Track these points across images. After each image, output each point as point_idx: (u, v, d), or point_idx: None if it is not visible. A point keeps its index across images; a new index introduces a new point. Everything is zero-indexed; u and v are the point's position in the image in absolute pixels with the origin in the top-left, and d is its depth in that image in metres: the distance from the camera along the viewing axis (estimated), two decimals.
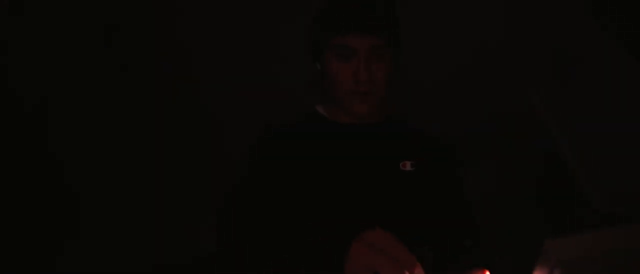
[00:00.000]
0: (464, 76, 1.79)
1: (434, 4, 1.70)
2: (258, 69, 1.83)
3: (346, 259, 0.63)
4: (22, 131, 1.79)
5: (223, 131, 1.90)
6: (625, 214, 1.31)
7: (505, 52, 1.73)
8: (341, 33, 0.98)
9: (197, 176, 1.93)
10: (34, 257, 1.85)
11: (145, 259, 1.83)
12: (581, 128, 1.54)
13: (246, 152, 1.05)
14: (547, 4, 1.61)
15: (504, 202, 1.94)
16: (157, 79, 1.86)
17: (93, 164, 1.89)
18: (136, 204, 1.94)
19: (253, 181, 1.00)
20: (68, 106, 1.83)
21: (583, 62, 1.50)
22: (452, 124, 1.80)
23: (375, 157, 1.03)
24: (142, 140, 1.91)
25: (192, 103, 1.91)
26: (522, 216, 1.85)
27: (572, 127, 1.57)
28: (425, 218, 1.00)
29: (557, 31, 1.57)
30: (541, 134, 1.69)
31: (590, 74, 1.47)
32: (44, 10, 1.65)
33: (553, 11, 1.56)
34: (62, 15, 1.68)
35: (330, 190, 0.98)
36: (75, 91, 1.82)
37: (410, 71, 1.77)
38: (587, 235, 0.40)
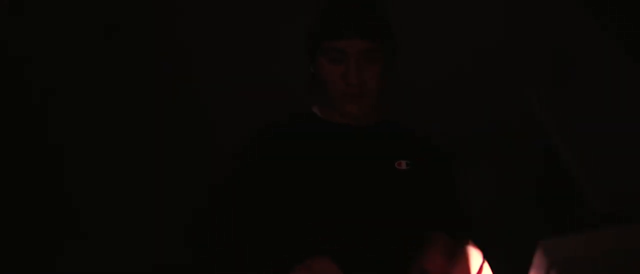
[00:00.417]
0: (463, 76, 1.79)
1: (434, 5, 1.70)
2: (259, 69, 1.83)
3: None
4: (21, 130, 1.79)
5: (224, 131, 1.90)
6: (625, 214, 1.31)
7: (504, 52, 1.73)
8: (332, 37, 0.99)
9: (197, 176, 1.93)
10: (33, 256, 1.85)
11: (145, 259, 1.83)
12: (581, 128, 1.54)
13: (239, 152, 1.06)
14: (547, 4, 1.61)
15: (504, 203, 1.93)
16: (157, 79, 1.86)
17: (93, 164, 1.89)
18: (136, 203, 1.94)
19: (246, 181, 1.01)
20: (68, 105, 1.83)
21: (583, 63, 1.50)
22: (452, 124, 1.80)
23: (370, 156, 1.04)
24: (142, 140, 1.91)
25: (192, 103, 1.91)
26: (521, 216, 1.84)
27: (571, 128, 1.57)
28: (420, 216, 1.01)
29: (556, 31, 1.57)
30: (541, 134, 1.68)
31: (590, 74, 1.47)
32: (44, 10, 1.66)
33: (552, 11, 1.56)
34: (62, 15, 1.69)
35: (326, 189, 0.99)
36: (75, 90, 1.82)
37: (411, 71, 1.76)
38: (583, 235, 0.40)
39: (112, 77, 1.81)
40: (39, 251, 1.85)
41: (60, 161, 1.86)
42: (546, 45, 1.62)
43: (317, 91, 1.08)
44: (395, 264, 0.90)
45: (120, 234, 1.92)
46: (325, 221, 0.95)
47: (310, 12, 1.06)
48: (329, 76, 1.02)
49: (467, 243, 0.79)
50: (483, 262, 0.77)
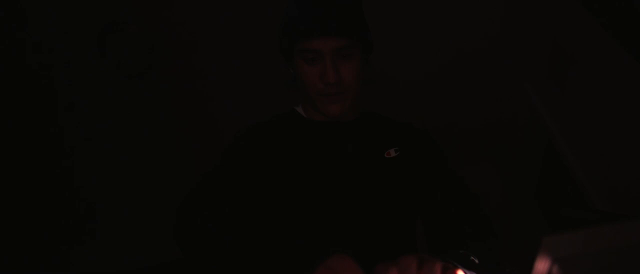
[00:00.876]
0: (463, 74, 1.79)
1: (432, 3, 1.70)
2: (262, 69, 1.83)
3: None
4: (27, 130, 1.80)
5: (226, 131, 1.90)
6: (625, 212, 1.31)
7: (503, 50, 1.73)
8: (304, 38, 0.98)
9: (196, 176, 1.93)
10: (37, 255, 1.85)
11: (148, 256, 1.84)
12: (580, 126, 1.55)
13: (223, 152, 1.06)
14: (545, 1, 1.61)
15: (504, 200, 1.94)
16: (163, 80, 1.86)
17: (97, 164, 1.90)
18: (136, 202, 1.94)
19: (226, 181, 1.00)
20: (73, 107, 1.83)
21: (582, 60, 1.50)
22: (451, 122, 1.80)
23: (358, 149, 1.04)
24: (146, 140, 1.92)
25: (196, 104, 1.92)
26: (521, 214, 1.85)
27: (571, 126, 1.57)
28: (419, 201, 1.02)
29: (555, 29, 1.57)
30: (540, 133, 1.69)
31: (589, 72, 1.48)
32: (47, 10, 1.66)
33: (551, 8, 1.57)
34: (63, 14, 1.69)
35: (318, 185, 0.99)
36: (80, 92, 1.82)
37: (410, 71, 1.77)
38: (585, 231, 0.41)
39: (116, 78, 1.82)
40: (41, 250, 1.86)
41: (63, 159, 1.87)
42: (545, 43, 1.62)
43: (299, 91, 1.08)
44: (397, 250, 0.89)
45: (122, 232, 1.92)
46: (319, 217, 0.95)
47: (281, 14, 1.05)
48: (307, 77, 1.02)
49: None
50: None
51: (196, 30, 1.80)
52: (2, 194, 1.75)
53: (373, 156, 1.04)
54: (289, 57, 1.06)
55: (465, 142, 1.74)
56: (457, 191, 1.05)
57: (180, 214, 0.97)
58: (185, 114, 1.92)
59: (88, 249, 1.90)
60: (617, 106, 1.34)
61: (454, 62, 1.77)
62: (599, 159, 1.46)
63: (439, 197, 1.03)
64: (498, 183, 1.88)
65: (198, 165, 1.97)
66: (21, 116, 1.77)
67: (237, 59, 1.86)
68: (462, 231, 0.97)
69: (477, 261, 0.79)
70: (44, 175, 1.84)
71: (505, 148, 1.87)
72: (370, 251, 0.76)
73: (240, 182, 1.00)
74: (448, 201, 1.03)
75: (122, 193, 1.91)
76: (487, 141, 1.87)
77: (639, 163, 1.25)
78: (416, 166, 1.05)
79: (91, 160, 1.88)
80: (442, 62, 1.78)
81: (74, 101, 1.81)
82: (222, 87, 1.90)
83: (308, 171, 1.00)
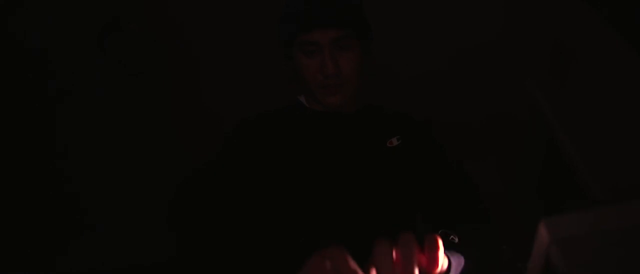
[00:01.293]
0: (464, 69, 1.78)
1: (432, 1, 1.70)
2: (264, 68, 1.83)
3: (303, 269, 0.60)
4: (22, 128, 1.79)
5: (223, 128, 1.90)
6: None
7: (504, 46, 1.72)
8: (302, 30, 0.98)
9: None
10: (34, 254, 1.85)
11: (145, 255, 1.83)
12: (582, 122, 1.54)
13: (224, 141, 1.06)
14: None
15: (505, 196, 1.93)
16: (159, 77, 1.86)
17: (93, 162, 1.89)
18: (136, 202, 1.94)
19: (226, 171, 1.00)
20: (70, 104, 1.83)
21: (583, 56, 1.49)
22: (452, 118, 1.79)
23: (360, 139, 1.04)
24: (143, 138, 1.91)
25: (195, 104, 1.91)
26: (523, 209, 1.84)
27: (572, 121, 1.56)
28: (420, 190, 1.01)
29: (557, 24, 1.56)
30: (542, 129, 1.68)
31: (591, 67, 1.47)
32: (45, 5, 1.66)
33: (552, 3, 1.56)
34: (63, 11, 1.69)
35: (318, 175, 0.98)
36: (77, 89, 1.82)
37: (412, 67, 1.76)
38: (583, 213, 0.40)
39: (113, 75, 1.81)
40: (39, 249, 1.86)
41: (60, 157, 1.87)
42: (546, 39, 1.61)
43: (300, 82, 1.08)
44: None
45: (120, 231, 1.92)
46: (320, 207, 0.95)
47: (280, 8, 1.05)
48: (307, 69, 1.02)
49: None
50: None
51: (196, 30, 1.80)
52: None
53: (375, 146, 1.04)
54: (288, 50, 1.06)
55: (467, 139, 1.73)
56: (455, 180, 1.05)
57: (175, 206, 0.97)
58: (183, 113, 1.92)
59: (83, 247, 1.90)
60: (620, 101, 1.33)
61: (455, 58, 1.77)
62: (602, 154, 1.46)
63: (438, 186, 1.03)
64: (499, 179, 1.87)
65: (197, 164, 1.97)
66: (16, 113, 1.77)
67: (237, 58, 1.85)
68: (457, 218, 0.97)
69: (456, 240, 0.79)
70: (39, 174, 1.84)
71: (507, 144, 1.86)
72: (370, 241, 0.76)
73: (239, 173, 1.00)
74: (446, 190, 1.03)
75: (119, 192, 1.91)
76: (489, 137, 1.86)
77: None
78: (417, 156, 1.05)
79: (89, 159, 1.88)
80: (443, 59, 1.77)
81: (72, 99, 1.81)
82: (221, 87, 1.89)
83: (309, 161, 1.00)
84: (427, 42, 1.74)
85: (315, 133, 1.05)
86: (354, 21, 1.01)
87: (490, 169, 1.91)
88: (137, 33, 1.77)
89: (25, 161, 1.82)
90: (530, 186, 1.85)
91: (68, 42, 1.73)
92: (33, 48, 1.70)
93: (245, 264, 0.78)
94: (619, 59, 1.30)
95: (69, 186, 1.87)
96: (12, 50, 1.68)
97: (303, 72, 1.03)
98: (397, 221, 0.98)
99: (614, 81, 1.33)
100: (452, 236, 0.81)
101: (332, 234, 0.71)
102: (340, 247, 0.61)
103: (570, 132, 1.58)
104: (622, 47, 1.27)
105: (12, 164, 1.79)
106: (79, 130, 1.85)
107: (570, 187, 1.58)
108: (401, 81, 1.64)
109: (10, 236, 1.80)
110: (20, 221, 1.83)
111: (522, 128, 1.82)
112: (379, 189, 0.98)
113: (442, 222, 0.96)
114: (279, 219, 0.84)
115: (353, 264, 0.56)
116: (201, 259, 0.86)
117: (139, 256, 1.82)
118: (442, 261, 0.60)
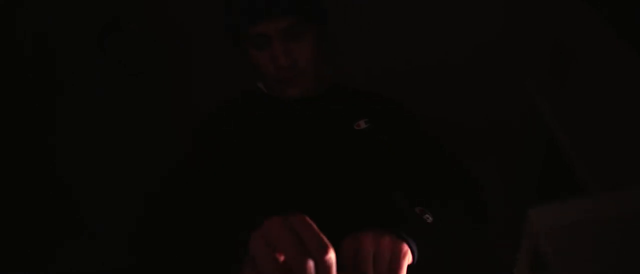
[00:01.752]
0: (462, 71, 1.78)
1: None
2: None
3: (254, 232, 0.56)
4: (20, 128, 1.80)
5: None
6: None
7: (503, 46, 1.72)
8: (248, 23, 0.92)
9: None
10: (34, 254, 1.85)
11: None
12: (582, 121, 1.53)
13: (190, 138, 1.02)
14: None
15: (506, 198, 1.92)
16: (159, 77, 1.86)
17: (93, 162, 1.90)
18: (136, 202, 1.93)
19: (191, 161, 0.96)
20: (70, 104, 1.83)
21: (583, 56, 1.49)
22: (452, 120, 1.79)
23: (325, 123, 0.97)
24: (143, 138, 1.91)
25: (194, 102, 1.91)
26: (524, 211, 1.83)
27: (572, 120, 1.56)
28: (396, 169, 0.95)
29: (556, 24, 1.56)
30: (542, 128, 1.67)
31: (591, 66, 1.46)
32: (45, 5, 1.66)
33: (552, 3, 1.56)
34: (63, 11, 1.69)
35: (283, 160, 0.92)
36: (77, 89, 1.82)
37: (409, 67, 1.76)
38: (571, 202, 0.40)
39: (110, 76, 1.82)
40: (36, 248, 1.86)
41: (58, 156, 1.87)
42: (546, 39, 1.61)
43: (256, 71, 1.02)
44: (359, 225, 0.85)
45: (124, 230, 1.91)
46: (290, 196, 0.89)
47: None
48: (258, 62, 0.96)
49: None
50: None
51: (195, 29, 1.80)
52: None
53: (341, 129, 0.97)
54: (237, 42, 0.99)
55: (467, 139, 1.72)
56: (430, 151, 0.98)
57: (144, 224, 0.92)
58: (184, 113, 1.92)
59: (82, 247, 1.90)
60: (619, 101, 1.33)
61: (454, 58, 1.77)
62: (602, 154, 1.45)
63: (413, 161, 0.96)
64: (499, 179, 1.86)
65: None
66: (16, 113, 1.77)
67: (237, 58, 1.85)
68: (433, 188, 0.92)
69: (430, 219, 0.76)
70: (39, 174, 1.84)
71: (507, 144, 1.86)
72: (345, 225, 0.73)
73: (204, 174, 0.94)
74: (422, 164, 0.95)
75: (119, 192, 1.91)
76: (489, 137, 1.86)
77: None
78: (389, 136, 0.98)
79: (89, 159, 1.88)
80: (442, 59, 1.77)
81: (72, 99, 1.82)
82: (222, 88, 1.89)
83: (273, 150, 0.94)
84: (426, 42, 1.73)
85: (278, 121, 0.98)
86: (305, 7, 0.94)
87: (490, 169, 1.90)
88: (137, 33, 1.77)
89: (25, 161, 1.82)
90: (530, 186, 1.84)
91: (68, 42, 1.73)
92: (33, 48, 1.71)
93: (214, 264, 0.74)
94: (619, 59, 1.30)
95: (69, 186, 1.87)
96: (12, 50, 1.68)
97: (256, 65, 0.97)
98: (370, 204, 0.92)
99: (614, 81, 1.33)
100: (426, 215, 0.78)
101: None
102: (304, 215, 0.58)
103: (570, 132, 1.57)
104: (622, 47, 1.27)
105: (12, 164, 1.79)
106: (79, 130, 1.85)
107: (570, 187, 1.58)
108: (400, 81, 1.64)
109: (10, 236, 1.80)
110: (19, 221, 1.83)
111: (522, 128, 1.82)
112: (348, 173, 0.92)
113: (422, 197, 0.90)
114: (246, 211, 0.80)
115: (315, 228, 0.54)
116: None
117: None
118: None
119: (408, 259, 0.67)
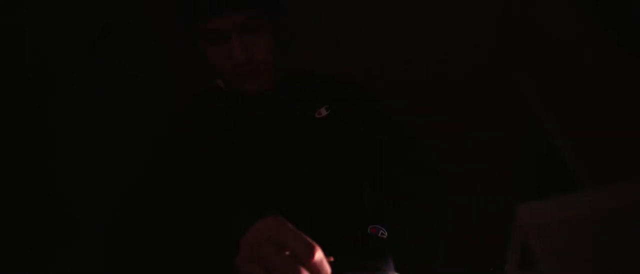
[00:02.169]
0: (462, 72, 1.78)
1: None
2: None
3: (237, 256, 0.57)
4: (17, 128, 1.80)
5: None
6: None
7: (501, 44, 1.72)
8: (202, 19, 0.90)
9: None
10: (33, 255, 1.85)
11: None
12: (580, 121, 1.53)
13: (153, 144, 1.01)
14: None
15: (505, 198, 1.92)
16: (159, 77, 1.87)
17: (93, 162, 1.90)
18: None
19: (154, 168, 0.95)
20: (70, 104, 1.84)
21: (580, 54, 1.49)
22: (452, 120, 1.79)
23: (287, 113, 0.95)
24: (143, 138, 1.91)
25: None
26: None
27: (570, 121, 1.56)
28: (360, 157, 0.93)
29: (553, 22, 1.56)
30: (540, 129, 1.67)
31: (589, 66, 1.46)
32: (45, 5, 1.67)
33: (549, 1, 1.56)
34: (63, 11, 1.70)
35: (246, 155, 0.90)
36: (76, 89, 1.83)
37: (408, 67, 1.76)
38: (561, 198, 0.40)
39: (108, 77, 1.82)
40: (34, 250, 1.86)
41: (64, 159, 1.87)
42: (542, 37, 1.61)
43: (211, 68, 1.00)
44: (331, 216, 0.84)
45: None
46: (253, 189, 0.88)
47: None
48: (214, 58, 0.94)
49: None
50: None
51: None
52: None
53: (303, 119, 0.95)
54: (189, 39, 0.97)
55: (466, 139, 1.73)
56: (390, 137, 0.96)
57: (114, 238, 0.91)
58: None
59: (82, 247, 1.90)
60: (619, 101, 1.33)
61: (452, 58, 1.77)
62: (601, 154, 1.45)
63: (374, 145, 0.93)
64: (499, 179, 1.86)
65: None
66: (15, 113, 1.78)
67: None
68: (394, 178, 0.90)
69: (385, 235, 0.76)
70: (38, 174, 1.84)
71: (507, 144, 1.86)
72: (312, 217, 0.72)
73: (171, 178, 0.91)
74: (382, 147, 0.93)
75: (116, 193, 1.91)
76: (488, 137, 1.86)
77: (637, 155, 1.24)
78: (350, 121, 0.96)
79: (88, 159, 1.88)
80: (441, 59, 1.77)
81: (71, 99, 1.82)
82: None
83: (238, 146, 0.92)
84: (425, 42, 1.73)
85: (239, 117, 0.97)
86: (261, 0, 0.92)
87: (490, 169, 1.90)
88: (137, 33, 1.77)
89: (24, 161, 1.82)
90: (530, 186, 1.84)
91: (68, 42, 1.73)
92: (33, 48, 1.71)
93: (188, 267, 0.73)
94: (619, 59, 1.30)
95: (68, 186, 1.87)
96: (11, 50, 1.69)
97: (212, 62, 0.95)
98: (340, 193, 0.90)
99: (614, 81, 1.33)
100: (381, 232, 0.77)
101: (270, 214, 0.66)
102: (276, 217, 0.58)
103: (567, 133, 1.57)
104: (619, 47, 1.27)
105: (11, 164, 1.79)
106: (79, 130, 1.85)
107: (568, 186, 1.58)
108: (397, 81, 1.64)
109: (10, 237, 1.80)
110: (19, 221, 1.83)
111: (521, 128, 1.82)
112: (312, 163, 0.90)
113: (386, 187, 0.89)
114: (212, 211, 0.79)
115: (295, 231, 0.54)
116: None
117: None
118: None
119: None
